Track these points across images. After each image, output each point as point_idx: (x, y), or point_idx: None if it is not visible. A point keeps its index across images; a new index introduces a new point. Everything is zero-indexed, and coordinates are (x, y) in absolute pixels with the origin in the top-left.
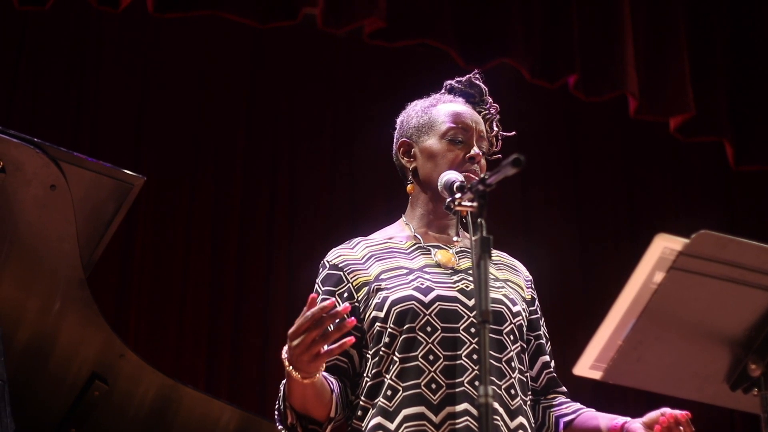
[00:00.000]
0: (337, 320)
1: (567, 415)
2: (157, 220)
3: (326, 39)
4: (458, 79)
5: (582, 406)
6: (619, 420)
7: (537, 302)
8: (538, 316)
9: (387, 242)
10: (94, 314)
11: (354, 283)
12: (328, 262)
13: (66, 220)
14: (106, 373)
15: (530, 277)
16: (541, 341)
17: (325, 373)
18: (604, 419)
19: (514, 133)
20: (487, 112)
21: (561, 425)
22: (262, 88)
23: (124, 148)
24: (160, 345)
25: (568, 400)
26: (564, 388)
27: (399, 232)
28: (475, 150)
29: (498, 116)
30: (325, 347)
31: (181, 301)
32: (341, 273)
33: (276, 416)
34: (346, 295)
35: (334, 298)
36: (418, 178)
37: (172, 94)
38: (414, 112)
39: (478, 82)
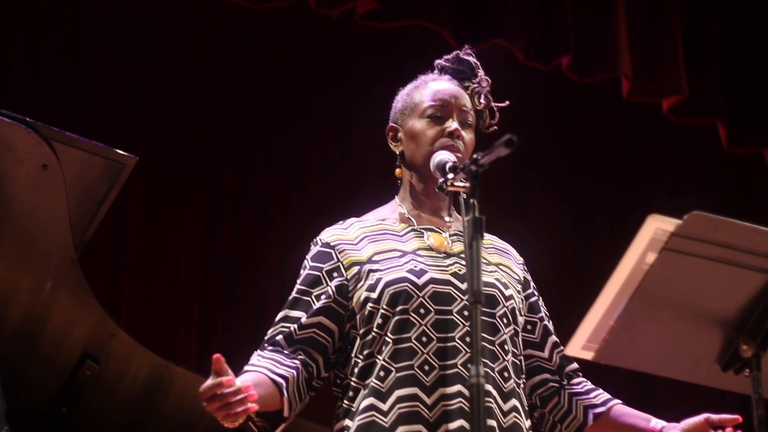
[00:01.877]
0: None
1: (597, 406)
2: (149, 200)
3: (320, 20)
4: (447, 57)
5: (609, 397)
6: (656, 424)
7: (532, 284)
8: (537, 297)
9: (380, 224)
10: (86, 294)
11: (344, 261)
12: (320, 240)
13: (58, 200)
14: (98, 353)
15: (521, 260)
16: (546, 322)
17: (282, 368)
18: (640, 420)
19: (507, 103)
20: (477, 85)
21: (590, 417)
22: (256, 69)
23: (117, 128)
24: (152, 325)
25: (594, 387)
26: (576, 365)
27: (392, 213)
28: (453, 125)
29: (488, 88)
30: (237, 409)
31: (174, 281)
32: (332, 251)
33: None
34: (335, 274)
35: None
36: (405, 160)
37: (166, 74)
38: (400, 96)
39: (467, 57)
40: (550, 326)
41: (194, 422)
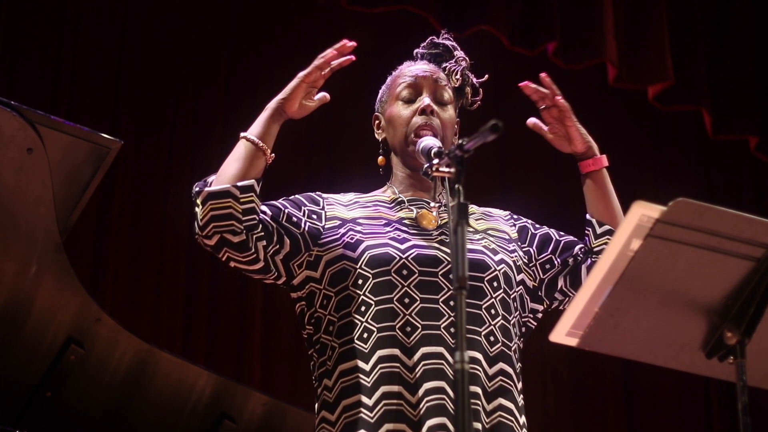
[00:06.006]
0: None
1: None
2: (134, 184)
3: (305, 4)
4: (423, 43)
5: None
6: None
7: (525, 221)
8: (539, 227)
9: (373, 196)
10: (70, 278)
11: (328, 213)
12: (314, 191)
13: (43, 184)
14: (83, 337)
15: (506, 212)
16: (552, 230)
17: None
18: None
19: (486, 77)
20: (453, 64)
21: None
22: (241, 53)
23: (102, 112)
24: (136, 310)
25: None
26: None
27: (384, 192)
28: (425, 101)
29: (465, 65)
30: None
31: (158, 265)
32: (321, 200)
33: (197, 190)
34: (314, 216)
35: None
36: (388, 146)
37: (150, 57)
38: (383, 87)
39: (443, 40)
40: (553, 234)
41: (179, 407)
